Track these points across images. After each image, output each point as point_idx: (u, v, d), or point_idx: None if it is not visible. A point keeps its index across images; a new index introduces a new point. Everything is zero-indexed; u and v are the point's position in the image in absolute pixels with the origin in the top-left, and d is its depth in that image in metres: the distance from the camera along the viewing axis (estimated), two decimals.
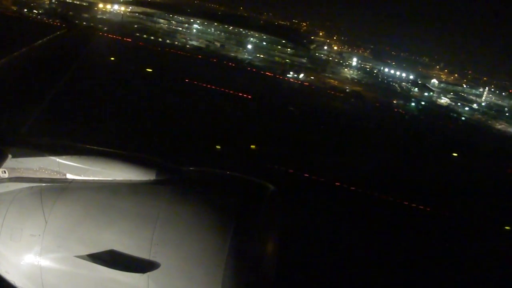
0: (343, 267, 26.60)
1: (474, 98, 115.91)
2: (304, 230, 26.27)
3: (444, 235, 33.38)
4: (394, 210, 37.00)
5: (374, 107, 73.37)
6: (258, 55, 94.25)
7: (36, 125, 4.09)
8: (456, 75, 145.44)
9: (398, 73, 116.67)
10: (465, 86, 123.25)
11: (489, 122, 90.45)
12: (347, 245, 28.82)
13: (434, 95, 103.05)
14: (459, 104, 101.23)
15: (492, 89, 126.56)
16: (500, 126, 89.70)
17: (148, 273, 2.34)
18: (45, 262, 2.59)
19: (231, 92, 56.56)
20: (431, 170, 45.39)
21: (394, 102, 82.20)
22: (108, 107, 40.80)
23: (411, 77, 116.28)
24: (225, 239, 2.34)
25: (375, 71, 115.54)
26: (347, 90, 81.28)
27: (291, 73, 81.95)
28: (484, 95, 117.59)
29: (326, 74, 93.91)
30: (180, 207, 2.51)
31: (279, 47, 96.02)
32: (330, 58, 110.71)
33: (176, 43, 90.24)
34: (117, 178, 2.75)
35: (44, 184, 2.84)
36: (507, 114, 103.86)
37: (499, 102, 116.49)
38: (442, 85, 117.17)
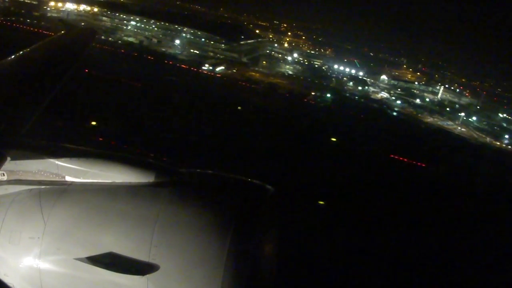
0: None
1: (428, 95, 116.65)
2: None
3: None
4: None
5: (281, 97, 74.85)
6: (192, 50, 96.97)
7: (35, 127, 4.08)
8: (419, 74, 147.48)
9: (348, 70, 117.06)
10: (419, 84, 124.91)
11: (419, 115, 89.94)
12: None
13: (373, 89, 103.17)
14: (396, 98, 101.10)
15: (454, 88, 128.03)
16: (429, 119, 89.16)
17: (147, 275, 2.32)
18: (44, 264, 2.55)
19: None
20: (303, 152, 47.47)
21: (313, 93, 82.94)
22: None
23: (360, 73, 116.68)
24: (224, 241, 2.32)
25: (323, 67, 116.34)
26: (262, 82, 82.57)
27: (207, 65, 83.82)
28: (440, 93, 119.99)
29: (257, 68, 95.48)
30: (179, 209, 2.48)
31: (212, 42, 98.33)
32: (272, 53, 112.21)
33: (110, 39, 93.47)
34: (116, 180, 2.72)
35: (43, 187, 2.80)
36: (447, 109, 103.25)
37: (455, 99, 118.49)
38: (393, 82, 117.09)
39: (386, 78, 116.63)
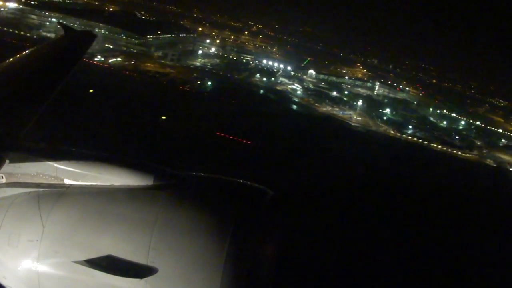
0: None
1: (362, 90, 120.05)
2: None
3: None
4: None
5: (156, 84, 77.24)
6: (106, 45, 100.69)
7: (33, 130, 4.08)
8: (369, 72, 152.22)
9: (276, 65, 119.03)
10: (354, 79, 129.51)
11: (316, 104, 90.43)
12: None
13: (287, 81, 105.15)
14: (309, 90, 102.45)
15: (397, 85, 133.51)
16: (325, 108, 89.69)
17: (145, 278, 2.36)
18: (42, 267, 2.58)
19: None
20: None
21: (198, 82, 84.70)
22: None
23: (288, 68, 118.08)
24: (223, 244, 2.35)
25: (250, 62, 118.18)
26: (150, 72, 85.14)
27: (99, 57, 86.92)
28: (376, 89, 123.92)
29: (163, 61, 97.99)
30: (178, 212, 2.52)
31: (124, 37, 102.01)
32: (194, 48, 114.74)
33: (28, 34, 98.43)
34: (114, 183, 2.76)
35: (41, 190, 2.83)
36: (360, 100, 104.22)
37: (390, 95, 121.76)
38: (322, 76, 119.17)
39: (313, 73, 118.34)
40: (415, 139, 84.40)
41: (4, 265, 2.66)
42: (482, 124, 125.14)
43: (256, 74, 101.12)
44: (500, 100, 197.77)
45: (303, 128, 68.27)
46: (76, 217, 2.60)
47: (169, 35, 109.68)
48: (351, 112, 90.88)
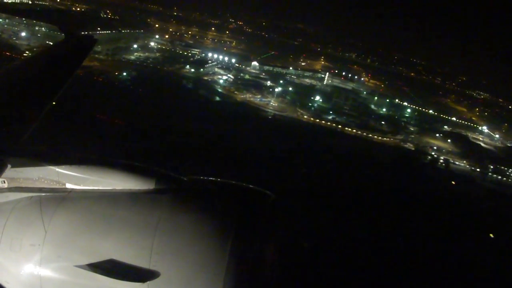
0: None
1: (311, 80, 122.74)
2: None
3: None
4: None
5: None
6: (46, 41, 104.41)
7: (35, 135, 4.12)
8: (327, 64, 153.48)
9: (221, 57, 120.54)
10: (303, 70, 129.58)
11: (236, 92, 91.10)
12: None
13: (221, 72, 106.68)
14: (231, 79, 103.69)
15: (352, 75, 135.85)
16: (244, 95, 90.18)
17: (148, 282, 2.35)
18: (45, 272, 2.58)
19: None
20: None
21: (116, 73, 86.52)
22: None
23: (233, 60, 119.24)
24: (225, 247, 2.37)
25: (196, 55, 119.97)
26: None
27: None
28: (326, 79, 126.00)
29: (96, 56, 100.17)
30: (180, 216, 2.54)
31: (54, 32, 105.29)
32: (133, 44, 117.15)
33: None
34: (116, 187, 2.76)
35: (43, 194, 2.84)
36: (290, 87, 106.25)
37: (340, 85, 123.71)
38: (267, 67, 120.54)
39: (257, 64, 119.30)
40: (328, 123, 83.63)
41: (7, 270, 2.64)
42: (435, 112, 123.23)
43: (187, 66, 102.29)
44: (481, 93, 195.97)
45: (204, 113, 69.11)
46: (78, 221, 2.60)
47: (109, 32, 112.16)
48: (270, 99, 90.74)
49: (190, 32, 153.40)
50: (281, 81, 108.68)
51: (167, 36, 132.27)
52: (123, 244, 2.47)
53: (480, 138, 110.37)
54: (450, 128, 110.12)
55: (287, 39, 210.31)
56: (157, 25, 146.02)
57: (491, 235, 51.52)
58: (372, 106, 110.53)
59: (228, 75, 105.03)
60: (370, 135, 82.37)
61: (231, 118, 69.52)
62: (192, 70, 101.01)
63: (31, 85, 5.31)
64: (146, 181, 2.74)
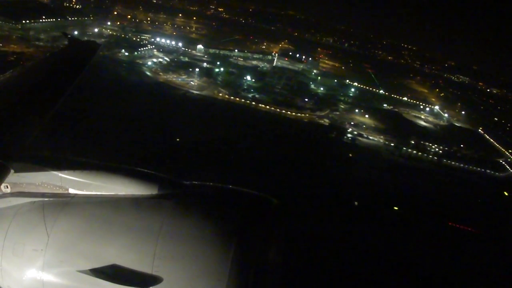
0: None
1: (254, 62, 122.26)
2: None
3: None
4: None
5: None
6: None
7: (38, 140, 4.12)
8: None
9: (168, 42, 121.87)
10: (252, 53, 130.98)
11: (161, 73, 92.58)
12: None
13: (149, 55, 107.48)
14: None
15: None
16: (169, 76, 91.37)
17: (150, 287, 2.36)
18: (47, 276, 2.58)
19: None
20: None
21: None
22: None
23: (180, 44, 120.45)
24: (227, 253, 2.37)
25: (143, 41, 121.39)
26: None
27: None
28: (275, 60, 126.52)
29: (37, 43, 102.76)
30: (182, 221, 2.54)
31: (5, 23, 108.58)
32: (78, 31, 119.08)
33: None
34: (119, 193, 2.79)
35: (46, 199, 2.86)
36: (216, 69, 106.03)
37: (289, 66, 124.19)
38: (212, 50, 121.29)
39: (202, 48, 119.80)
40: (242, 100, 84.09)
41: (9, 274, 2.66)
42: (385, 92, 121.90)
43: (122, 50, 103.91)
44: (461, 76, 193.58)
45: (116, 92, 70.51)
46: (81, 226, 2.61)
47: (53, 20, 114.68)
48: (193, 79, 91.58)
49: (149, 19, 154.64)
50: (218, 63, 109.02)
51: (118, 23, 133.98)
52: (126, 249, 2.45)
53: (422, 117, 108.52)
54: (391, 107, 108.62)
55: (265, 25, 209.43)
56: (115, 12, 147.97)
57: (356, 203, 51.82)
58: (312, 86, 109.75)
59: (165, 58, 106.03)
60: (284, 111, 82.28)
61: (142, 97, 70.84)
62: (126, 54, 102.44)
63: (35, 90, 5.29)
64: (148, 186, 2.74)
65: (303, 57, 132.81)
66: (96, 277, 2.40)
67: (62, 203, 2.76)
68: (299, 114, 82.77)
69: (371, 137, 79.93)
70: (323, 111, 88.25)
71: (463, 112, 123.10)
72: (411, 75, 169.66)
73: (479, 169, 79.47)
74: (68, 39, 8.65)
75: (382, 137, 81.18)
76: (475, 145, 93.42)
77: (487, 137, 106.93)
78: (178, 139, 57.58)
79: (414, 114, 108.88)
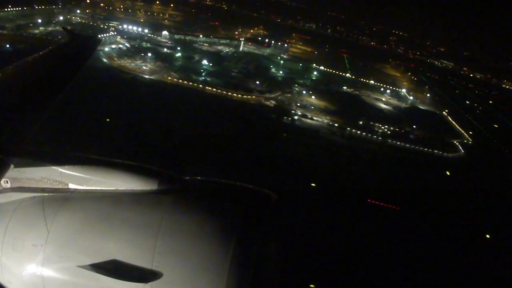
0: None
1: (220, 47, 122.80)
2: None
3: None
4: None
5: None
6: None
7: (38, 135, 4.09)
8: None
9: (130, 28, 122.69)
10: (219, 38, 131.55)
11: (115, 58, 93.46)
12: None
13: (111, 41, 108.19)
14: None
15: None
16: (124, 61, 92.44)
17: (150, 282, 2.35)
18: (47, 272, 2.57)
19: None
20: None
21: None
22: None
23: (146, 30, 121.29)
24: (227, 248, 2.35)
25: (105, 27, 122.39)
26: None
27: None
28: (241, 45, 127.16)
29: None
30: (182, 216, 2.52)
31: None
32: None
33: None
34: (119, 188, 2.76)
35: (46, 194, 2.84)
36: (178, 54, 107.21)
37: (255, 51, 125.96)
38: (177, 36, 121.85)
39: (167, 33, 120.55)
40: (191, 83, 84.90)
41: (9, 270, 2.68)
42: (351, 76, 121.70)
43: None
44: (445, 62, 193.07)
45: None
46: (81, 221, 2.62)
47: (19, 8, 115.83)
48: (146, 64, 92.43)
49: (122, 6, 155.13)
50: (179, 48, 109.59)
51: (88, 11, 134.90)
52: (126, 245, 2.45)
53: (383, 99, 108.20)
54: (351, 89, 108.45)
55: (248, 11, 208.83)
56: (88, 1, 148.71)
57: (312, 183, 53.00)
58: (273, 70, 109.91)
59: (126, 44, 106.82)
60: (230, 93, 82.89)
61: (90, 83, 71.90)
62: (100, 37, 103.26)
63: (35, 85, 5.31)
64: (148, 181, 2.73)
65: (272, 42, 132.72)
66: (96, 272, 2.40)
67: (62, 198, 2.75)
68: (245, 96, 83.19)
69: (315, 118, 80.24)
70: (274, 93, 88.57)
71: (428, 95, 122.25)
72: (390, 60, 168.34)
73: (426, 149, 79.35)
74: (68, 34, 8.51)
75: (328, 118, 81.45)
76: (434, 127, 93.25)
77: (450, 119, 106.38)
78: (108, 119, 58.57)
79: (375, 96, 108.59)
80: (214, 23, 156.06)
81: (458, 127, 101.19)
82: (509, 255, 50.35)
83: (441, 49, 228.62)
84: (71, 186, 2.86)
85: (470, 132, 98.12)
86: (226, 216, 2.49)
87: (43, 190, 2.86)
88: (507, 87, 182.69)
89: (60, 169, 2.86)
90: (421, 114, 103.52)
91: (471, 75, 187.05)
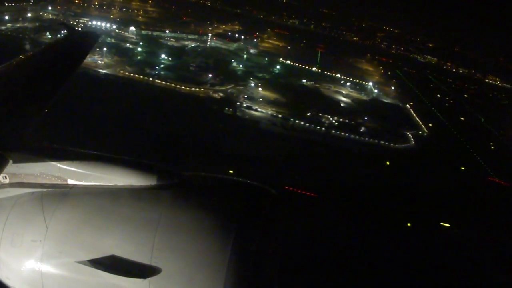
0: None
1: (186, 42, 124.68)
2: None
3: None
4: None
5: None
6: None
7: (37, 130, 4.08)
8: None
9: (105, 25, 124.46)
10: (188, 34, 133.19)
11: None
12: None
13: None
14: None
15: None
16: None
17: (149, 278, 2.36)
18: (46, 267, 2.58)
19: None
20: None
21: None
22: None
23: (114, 26, 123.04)
24: (226, 243, 2.36)
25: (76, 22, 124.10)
26: None
27: None
28: (208, 41, 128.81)
29: None
30: (181, 212, 2.54)
31: None
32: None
33: None
34: (118, 183, 2.77)
35: (45, 190, 2.84)
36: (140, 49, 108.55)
37: (222, 46, 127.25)
38: (144, 32, 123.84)
39: (134, 29, 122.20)
40: (141, 77, 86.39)
41: (8, 265, 2.69)
42: (318, 70, 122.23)
43: (47, 33, 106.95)
44: (428, 57, 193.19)
45: None
46: (80, 217, 2.63)
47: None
48: (102, 58, 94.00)
49: (96, 3, 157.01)
50: (142, 43, 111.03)
51: (58, 7, 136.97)
52: (125, 240, 2.47)
53: (344, 92, 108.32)
54: (311, 82, 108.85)
55: (232, 8, 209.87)
56: None
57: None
58: (234, 64, 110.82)
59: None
60: (179, 86, 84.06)
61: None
62: (50, 36, 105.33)
63: (34, 80, 5.31)
64: (147, 177, 2.74)
65: (242, 37, 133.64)
66: (95, 268, 2.40)
67: (61, 194, 2.76)
68: (193, 89, 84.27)
69: (260, 110, 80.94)
70: (225, 86, 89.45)
71: (393, 88, 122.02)
72: (368, 55, 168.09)
73: (372, 140, 79.61)
74: (67, 29, 8.68)
75: (274, 109, 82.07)
76: (391, 119, 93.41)
77: (412, 112, 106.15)
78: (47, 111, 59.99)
79: (336, 90, 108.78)
80: (187, 19, 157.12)
81: (417, 119, 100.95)
82: (429, 242, 50.80)
83: (430, 45, 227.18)
84: (70, 181, 2.85)
85: (430, 125, 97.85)
86: (225, 211, 2.50)
87: (41, 185, 2.85)
88: (490, 82, 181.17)
89: (59, 165, 2.85)
90: (381, 107, 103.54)
91: (453, 70, 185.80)
